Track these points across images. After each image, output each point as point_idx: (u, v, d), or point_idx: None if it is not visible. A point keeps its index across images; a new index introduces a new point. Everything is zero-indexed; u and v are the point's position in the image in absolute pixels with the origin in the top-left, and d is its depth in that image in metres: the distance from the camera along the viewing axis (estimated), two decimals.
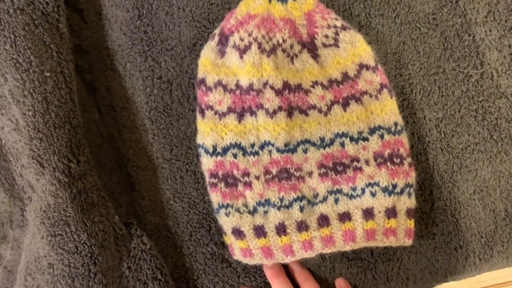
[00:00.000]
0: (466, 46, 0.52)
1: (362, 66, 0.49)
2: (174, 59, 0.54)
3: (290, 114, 0.49)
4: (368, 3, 0.53)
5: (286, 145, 0.49)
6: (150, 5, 0.53)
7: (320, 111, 0.49)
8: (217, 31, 0.50)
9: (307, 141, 0.49)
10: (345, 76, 0.49)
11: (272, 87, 0.48)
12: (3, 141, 0.50)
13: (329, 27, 0.49)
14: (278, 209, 0.49)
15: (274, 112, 0.48)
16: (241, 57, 0.48)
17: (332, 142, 0.49)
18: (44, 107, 0.46)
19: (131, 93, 0.54)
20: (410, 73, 0.53)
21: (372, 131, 0.49)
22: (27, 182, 0.50)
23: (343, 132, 0.49)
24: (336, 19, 0.49)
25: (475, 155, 0.52)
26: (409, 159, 0.49)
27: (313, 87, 0.49)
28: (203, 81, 0.50)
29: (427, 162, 0.53)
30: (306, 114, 0.49)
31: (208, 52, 0.50)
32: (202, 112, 0.50)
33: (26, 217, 0.52)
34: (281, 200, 0.49)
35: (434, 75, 0.52)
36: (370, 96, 0.49)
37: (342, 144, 0.49)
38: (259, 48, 0.48)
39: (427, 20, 0.52)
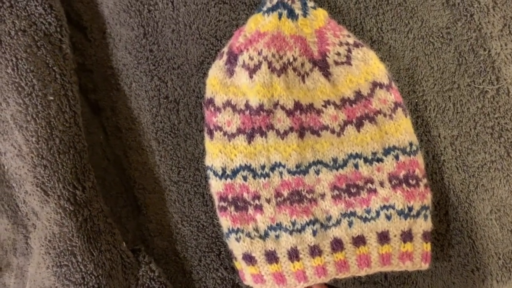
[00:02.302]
0: (481, 61, 0.51)
1: (375, 85, 0.47)
2: (181, 78, 0.52)
3: (301, 135, 0.48)
4: (380, 18, 0.51)
5: (297, 166, 0.48)
6: (155, 23, 0.52)
7: (332, 131, 0.48)
8: (225, 49, 0.48)
9: (319, 162, 0.48)
10: (358, 95, 0.47)
11: (283, 107, 0.47)
12: (6, 167, 0.49)
13: (341, 44, 0.47)
14: (290, 233, 0.48)
15: (285, 132, 0.47)
16: (251, 76, 0.47)
17: (345, 163, 0.48)
18: (48, 133, 0.44)
19: (137, 113, 0.53)
20: (423, 89, 0.51)
21: (386, 151, 0.48)
22: (31, 209, 0.48)
23: (356, 153, 0.48)
24: (348, 36, 0.48)
25: (491, 174, 0.51)
26: (425, 180, 0.48)
27: (325, 106, 0.48)
28: (211, 101, 0.48)
29: (442, 181, 0.51)
30: (318, 135, 0.48)
31: (216, 71, 0.48)
32: (211, 133, 0.49)
33: (30, 245, 0.51)
34: (293, 224, 0.48)
35: (449, 91, 0.51)
36: (384, 115, 0.47)
37: (356, 165, 0.48)
38: (269, 67, 0.46)
39: (441, 35, 0.51)
